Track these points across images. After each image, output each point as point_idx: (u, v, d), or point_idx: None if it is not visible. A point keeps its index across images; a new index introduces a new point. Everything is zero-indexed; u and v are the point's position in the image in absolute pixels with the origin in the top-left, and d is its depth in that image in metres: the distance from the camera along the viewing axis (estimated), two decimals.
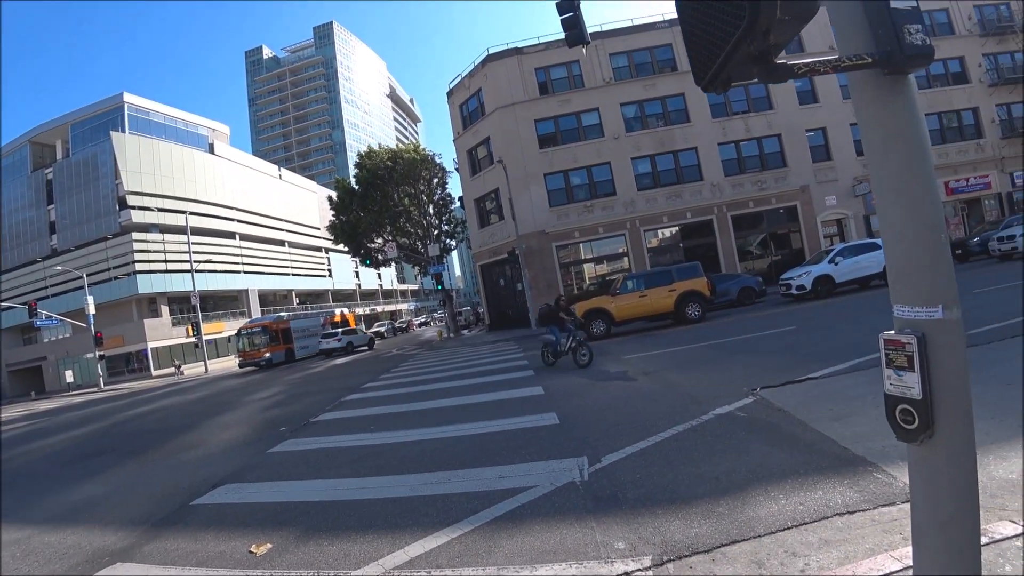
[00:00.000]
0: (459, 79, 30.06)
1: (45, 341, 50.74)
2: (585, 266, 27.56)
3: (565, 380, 9.20)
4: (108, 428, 13.55)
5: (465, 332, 35.27)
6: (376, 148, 35.62)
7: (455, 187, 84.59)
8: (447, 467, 5.19)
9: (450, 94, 31.05)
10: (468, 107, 29.92)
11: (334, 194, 36.50)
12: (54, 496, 6.65)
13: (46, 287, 48.81)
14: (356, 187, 34.41)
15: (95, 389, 37.44)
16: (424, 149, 36.47)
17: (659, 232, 27.33)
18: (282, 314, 33.28)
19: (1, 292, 49.97)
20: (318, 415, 9.59)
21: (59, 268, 42.47)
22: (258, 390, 17.10)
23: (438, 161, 36.40)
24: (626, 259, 26.70)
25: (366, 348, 32.86)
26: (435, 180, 36.08)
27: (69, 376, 42.16)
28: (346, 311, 43.53)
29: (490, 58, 27.82)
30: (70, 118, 50.94)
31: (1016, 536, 2.45)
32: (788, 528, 2.99)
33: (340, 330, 33.29)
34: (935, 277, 1.47)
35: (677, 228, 27.22)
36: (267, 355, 30.59)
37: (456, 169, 32.13)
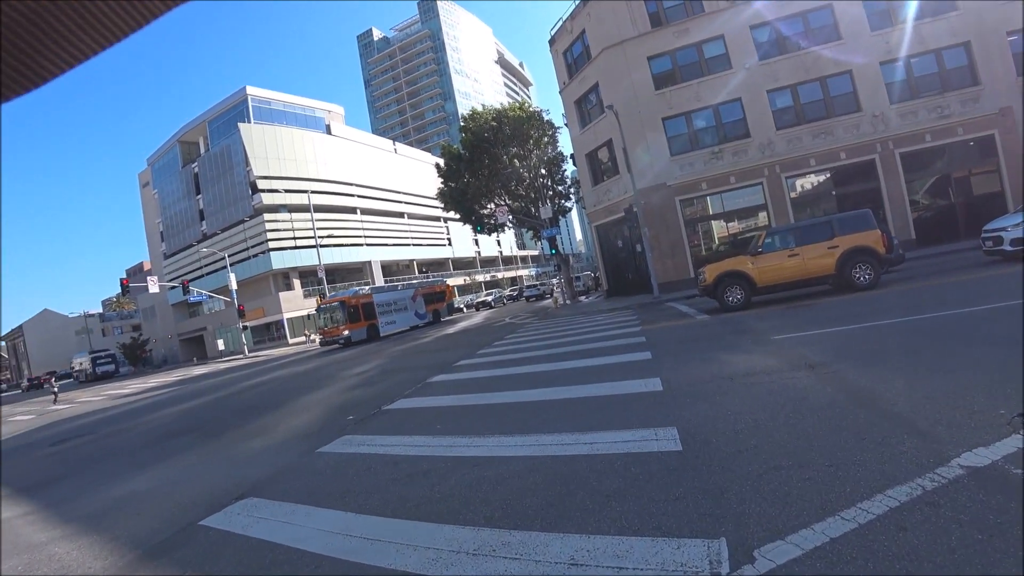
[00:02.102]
0: (560, 23, 27.20)
1: (205, 314, 57.15)
2: (713, 223, 23.81)
3: (694, 369, 6.85)
4: (215, 401, 14.04)
5: (582, 299, 33.29)
6: (480, 109, 34.10)
7: (566, 145, 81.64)
8: (500, 521, 3.36)
9: (552, 42, 28.29)
10: (572, 53, 27.00)
11: (441, 161, 35.85)
12: (108, 487, 6.29)
13: (200, 267, 54.66)
14: (462, 152, 33.31)
15: (240, 356, 41.10)
16: (530, 105, 34.31)
17: (804, 179, 22.92)
18: (363, 288, 32.31)
19: (167, 274, 57.03)
20: (394, 401, 8.40)
21: (204, 250, 46.92)
22: (360, 363, 16.78)
23: (546, 117, 34.12)
24: (763, 213, 22.72)
25: (536, 300, 44.09)
26: (544, 138, 33.90)
27: (221, 344, 46.93)
28: (446, 282, 42.85)
29: None
30: (207, 116, 55.85)
31: None
32: None
33: (525, 284, 46.22)
34: None
35: (828, 173, 22.50)
36: (346, 332, 28.04)
37: (565, 124, 29.63)
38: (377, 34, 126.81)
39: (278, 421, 8.76)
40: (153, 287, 35.48)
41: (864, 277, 11.76)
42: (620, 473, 3.78)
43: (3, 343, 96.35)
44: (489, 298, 51.62)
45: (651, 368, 7.39)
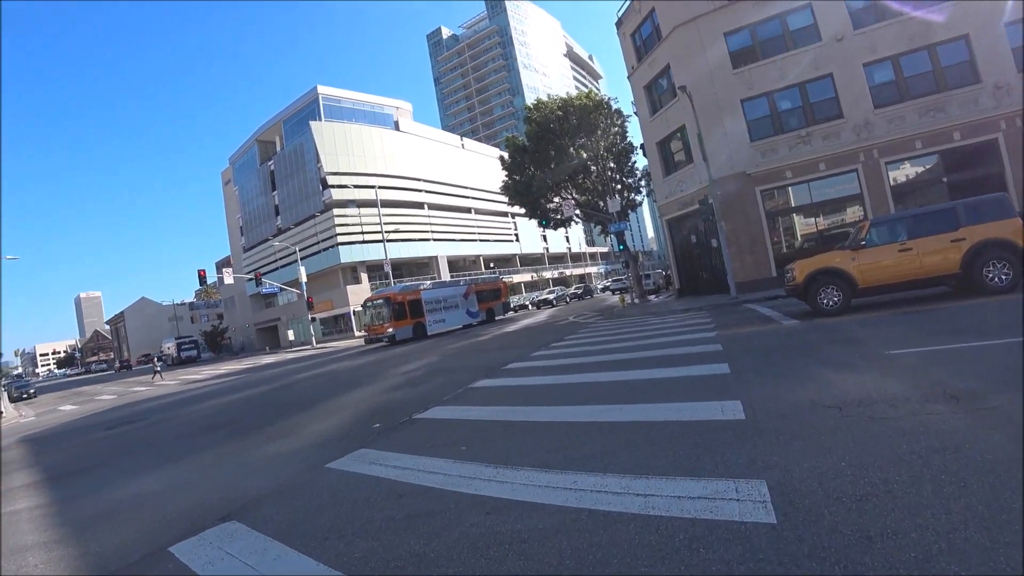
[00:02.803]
0: (628, 3, 25.48)
1: (279, 305, 59.56)
2: (797, 218, 21.50)
3: (786, 391, 5.36)
4: (262, 394, 13.95)
5: (652, 298, 31.52)
6: (545, 99, 32.92)
7: (636, 135, 78.97)
8: None
9: (619, 24, 26.61)
10: (641, 34, 25.22)
11: (505, 154, 34.99)
12: (121, 485, 6.15)
13: (275, 260, 56.96)
14: (527, 143, 32.31)
15: (308, 347, 42.20)
16: (597, 94, 32.77)
17: (908, 164, 20.17)
18: (424, 283, 31.44)
19: (245, 266, 59.77)
20: (426, 408, 7.57)
21: (277, 244, 48.63)
22: (407, 361, 16.19)
23: (615, 106, 32.47)
24: (857, 207, 20.18)
25: (620, 292, 40.28)
26: (613, 128, 32.30)
27: (291, 335, 48.59)
28: (502, 279, 41.73)
29: None
30: (282, 115, 58.20)
31: None
32: None
33: (611, 278, 45.33)
34: None
35: (937, 157, 19.69)
36: (390, 330, 26.89)
37: (634, 112, 27.93)
38: (446, 32, 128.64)
39: (305, 423, 8.21)
40: (228, 279, 37.41)
41: (1000, 278, 9.51)
42: (682, 556, 2.58)
43: (108, 326, 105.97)
44: (551, 296, 50.20)
45: (729, 386, 6.00)
